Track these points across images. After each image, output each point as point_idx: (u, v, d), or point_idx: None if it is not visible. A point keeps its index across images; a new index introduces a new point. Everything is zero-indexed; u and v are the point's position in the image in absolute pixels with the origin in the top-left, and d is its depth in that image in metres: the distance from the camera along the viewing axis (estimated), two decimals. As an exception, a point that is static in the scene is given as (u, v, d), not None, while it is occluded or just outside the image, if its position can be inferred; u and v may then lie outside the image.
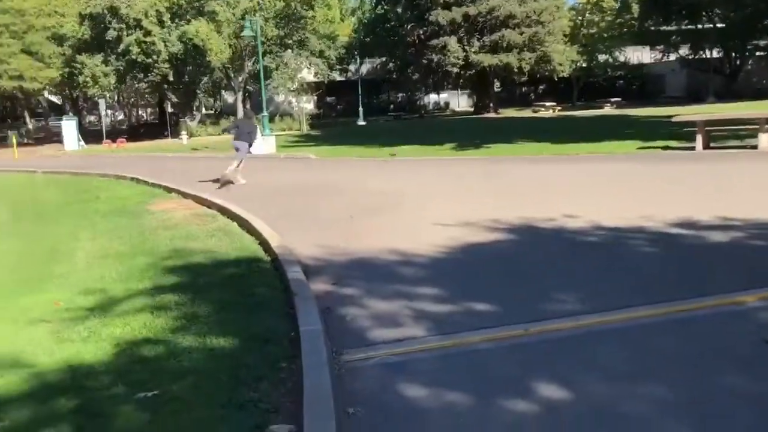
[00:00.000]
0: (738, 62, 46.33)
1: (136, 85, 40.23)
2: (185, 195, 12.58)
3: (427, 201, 10.31)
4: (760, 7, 35.12)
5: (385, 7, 48.32)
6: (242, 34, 31.14)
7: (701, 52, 46.17)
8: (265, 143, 22.88)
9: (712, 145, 15.43)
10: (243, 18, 32.73)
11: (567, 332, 4.42)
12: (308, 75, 45.41)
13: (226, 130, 14.60)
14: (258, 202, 10.94)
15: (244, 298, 5.42)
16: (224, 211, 10.07)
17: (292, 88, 41.98)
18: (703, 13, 39.79)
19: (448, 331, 4.50)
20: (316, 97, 55.96)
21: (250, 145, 14.05)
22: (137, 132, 44.69)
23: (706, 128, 15.34)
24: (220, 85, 42.82)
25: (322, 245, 7.34)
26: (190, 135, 35.52)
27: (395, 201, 10.45)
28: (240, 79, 39.50)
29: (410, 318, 4.81)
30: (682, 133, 16.15)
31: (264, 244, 7.44)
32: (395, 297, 5.31)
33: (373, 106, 53.08)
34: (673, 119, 16.62)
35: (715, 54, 45.98)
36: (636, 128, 22.03)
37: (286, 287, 5.58)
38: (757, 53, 45.88)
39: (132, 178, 16.38)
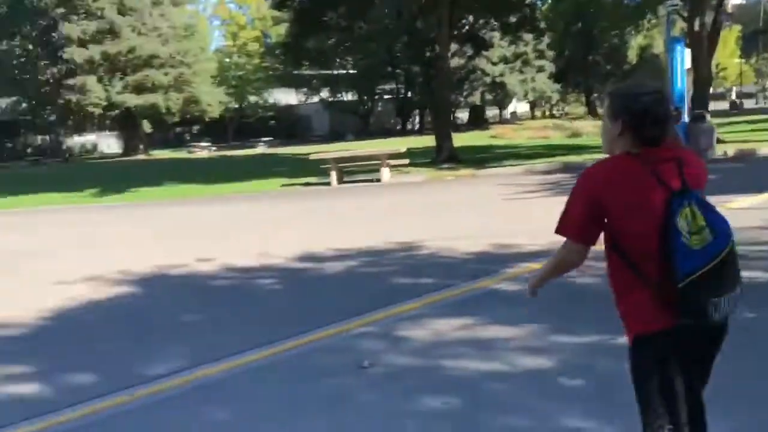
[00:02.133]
0: (370, 104, 51.97)
1: None
2: None
3: (52, 257, 9.24)
4: (383, 57, 39.97)
5: (12, 42, 43.29)
6: None
7: (339, 95, 50.70)
8: None
9: (345, 179, 16.87)
10: None
11: (174, 391, 4.20)
12: None
13: None
14: None
15: None
16: None
17: None
18: (337, 60, 43.72)
19: (38, 413, 3.94)
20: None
21: None
22: None
23: (339, 165, 16.80)
24: None
25: None
26: None
27: (12, 260, 9.20)
28: None
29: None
30: (321, 169, 17.34)
31: None
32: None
33: (7, 150, 47.05)
34: (310, 158, 17.75)
35: (351, 97, 50.92)
36: (284, 166, 23.06)
37: None
38: (385, 96, 52.09)
39: None
